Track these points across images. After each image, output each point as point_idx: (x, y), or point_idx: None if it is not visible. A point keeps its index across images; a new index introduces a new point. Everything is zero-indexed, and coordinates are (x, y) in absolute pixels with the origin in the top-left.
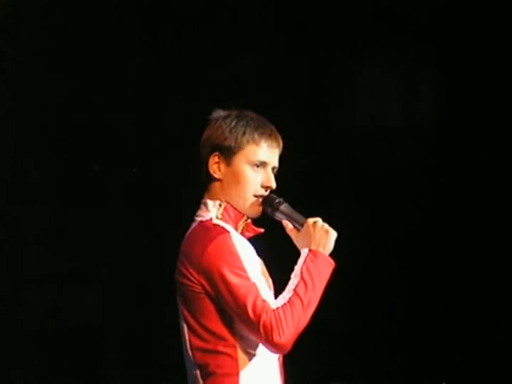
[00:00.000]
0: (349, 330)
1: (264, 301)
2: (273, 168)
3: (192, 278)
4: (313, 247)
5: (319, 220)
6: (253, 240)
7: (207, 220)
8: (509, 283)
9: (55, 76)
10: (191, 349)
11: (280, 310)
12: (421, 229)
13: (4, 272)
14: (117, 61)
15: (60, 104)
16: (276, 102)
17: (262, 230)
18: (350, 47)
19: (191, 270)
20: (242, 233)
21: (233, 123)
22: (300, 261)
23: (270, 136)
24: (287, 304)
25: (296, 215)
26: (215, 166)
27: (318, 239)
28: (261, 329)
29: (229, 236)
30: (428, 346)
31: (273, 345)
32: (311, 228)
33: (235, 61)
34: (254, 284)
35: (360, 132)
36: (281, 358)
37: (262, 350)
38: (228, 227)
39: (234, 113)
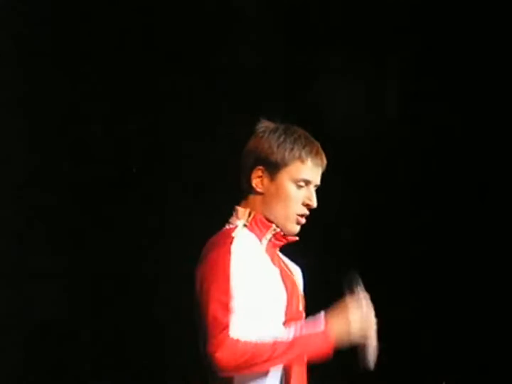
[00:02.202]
0: None
1: (229, 336)
2: (314, 186)
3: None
4: (328, 325)
5: (359, 304)
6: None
7: (230, 228)
8: (509, 283)
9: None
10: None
11: (246, 341)
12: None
13: None
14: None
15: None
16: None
17: (296, 238)
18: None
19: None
20: (270, 243)
21: (281, 138)
22: (309, 324)
23: (316, 154)
24: (258, 344)
25: None
26: (258, 180)
27: (343, 322)
28: (212, 340)
29: (229, 249)
30: (428, 346)
31: (209, 356)
32: (343, 309)
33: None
34: (233, 305)
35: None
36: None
37: None
38: (250, 235)
39: (282, 126)
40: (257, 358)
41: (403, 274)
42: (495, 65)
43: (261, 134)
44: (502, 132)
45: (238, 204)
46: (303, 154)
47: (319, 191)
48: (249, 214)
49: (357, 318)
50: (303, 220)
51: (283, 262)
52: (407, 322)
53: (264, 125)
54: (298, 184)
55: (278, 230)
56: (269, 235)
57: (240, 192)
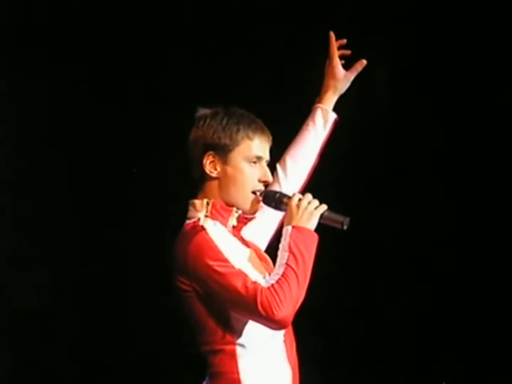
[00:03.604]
0: (350, 329)
1: (254, 282)
2: (266, 162)
3: (184, 286)
4: (294, 223)
5: (304, 197)
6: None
7: (193, 222)
8: (509, 283)
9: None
10: (200, 350)
11: (276, 285)
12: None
13: None
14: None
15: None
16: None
17: (254, 216)
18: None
19: (180, 278)
20: (235, 226)
21: (224, 121)
22: (286, 237)
23: (262, 131)
24: (281, 278)
25: None
26: (211, 165)
27: (300, 214)
28: (260, 308)
29: (206, 233)
30: (428, 346)
31: (274, 322)
32: (295, 206)
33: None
34: (239, 270)
35: None
36: (292, 353)
37: (262, 345)
38: (214, 223)
39: (222, 110)
40: (293, 284)
41: (401, 273)
42: (486, 48)
43: (202, 122)
44: (497, 122)
45: (195, 197)
46: (250, 132)
47: None
48: (207, 204)
49: (304, 201)
50: (260, 198)
51: (249, 241)
52: (408, 322)
53: (203, 112)
54: (251, 161)
55: (240, 212)
56: (232, 219)
57: (194, 186)
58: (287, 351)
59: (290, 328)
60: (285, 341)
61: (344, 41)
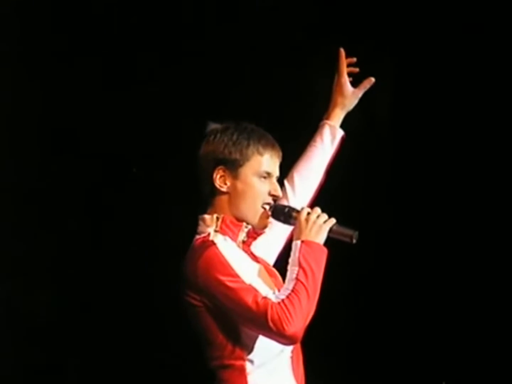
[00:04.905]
0: (349, 329)
1: (264, 297)
2: (275, 177)
3: (194, 301)
4: (303, 238)
5: (313, 211)
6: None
7: (204, 237)
8: (509, 282)
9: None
10: (209, 365)
11: (286, 300)
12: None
13: None
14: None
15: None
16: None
17: (264, 231)
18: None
19: (190, 293)
20: (245, 241)
21: (235, 136)
22: (295, 252)
23: (273, 146)
24: (292, 294)
25: None
26: (221, 179)
27: (309, 229)
28: (271, 323)
29: (216, 248)
30: (428, 347)
31: (284, 337)
32: (304, 220)
33: None
34: (250, 285)
35: None
36: (298, 369)
37: (270, 361)
38: (224, 238)
39: (232, 125)
40: (303, 299)
41: (401, 273)
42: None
43: (213, 137)
44: (500, 129)
45: (205, 212)
46: (260, 147)
47: None
48: (217, 219)
49: (313, 215)
50: (269, 212)
51: (259, 256)
52: (407, 322)
53: (213, 127)
54: (261, 176)
55: (250, 227)
56: (242, 234)
57: (204, 200)
58: (293, 367)
59: (298, 344)
60: (292, 357)
61: (354, 59)
